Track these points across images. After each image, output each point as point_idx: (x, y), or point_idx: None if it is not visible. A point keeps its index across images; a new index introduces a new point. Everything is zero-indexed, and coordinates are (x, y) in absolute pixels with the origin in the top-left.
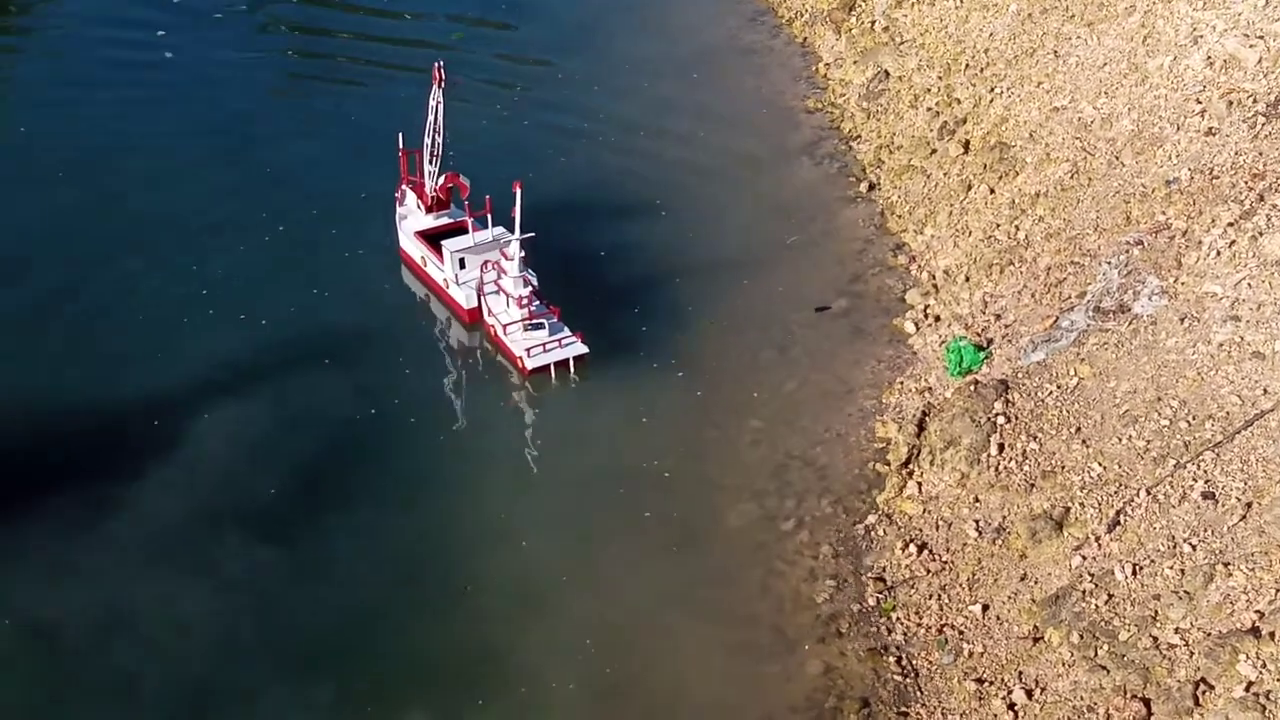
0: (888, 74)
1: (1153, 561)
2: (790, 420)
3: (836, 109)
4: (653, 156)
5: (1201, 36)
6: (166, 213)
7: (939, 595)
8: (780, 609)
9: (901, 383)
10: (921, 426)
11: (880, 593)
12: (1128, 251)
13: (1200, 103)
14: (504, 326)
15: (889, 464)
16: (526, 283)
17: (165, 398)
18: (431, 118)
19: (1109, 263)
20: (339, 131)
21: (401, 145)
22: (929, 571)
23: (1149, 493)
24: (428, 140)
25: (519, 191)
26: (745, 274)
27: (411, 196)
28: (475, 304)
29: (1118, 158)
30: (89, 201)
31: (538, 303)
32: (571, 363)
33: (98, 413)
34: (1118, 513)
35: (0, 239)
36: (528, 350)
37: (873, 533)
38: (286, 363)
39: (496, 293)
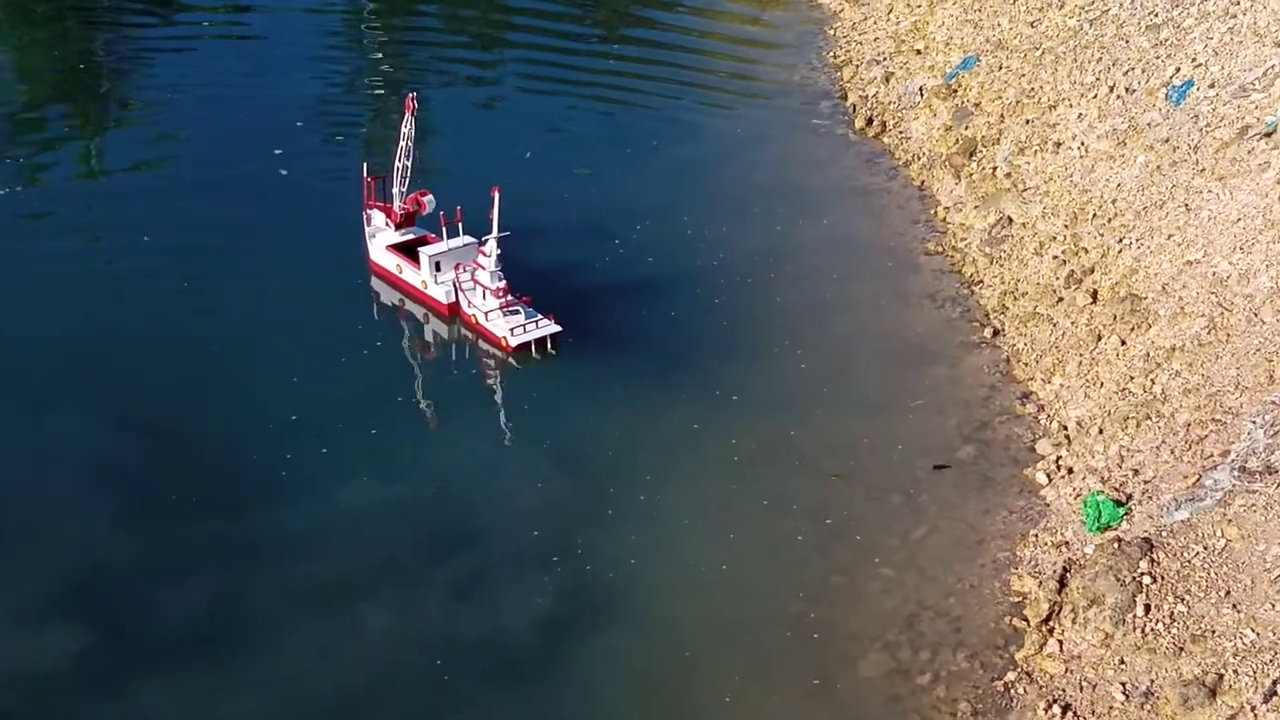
0: (1010, 220)
1: None
2: (920, 568)
3: (957, 253)
4: (776, 296)
5: None
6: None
7: None
8: None
9: (1036, 535)
10: (1063, 582)
11: None
12: (1273, 411)
13: None
14: (485, 314)
15: (1027, 619)
16: (500, 277)
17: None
18: (403, 144)
19: (1254, 422)
20: None
21: (367, 173)
22: None
23: None
24: (398, 164)
25: (497, 195)
26: (871, 419)
27: (379, 216)
28: (452, 299)
29: (1257, 314)
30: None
31: (511, 295)
32: (549, 341)
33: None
34: (1274, 682)
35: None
36: (511, 330)
37: (1012, 691)
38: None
39: (474, 288)
